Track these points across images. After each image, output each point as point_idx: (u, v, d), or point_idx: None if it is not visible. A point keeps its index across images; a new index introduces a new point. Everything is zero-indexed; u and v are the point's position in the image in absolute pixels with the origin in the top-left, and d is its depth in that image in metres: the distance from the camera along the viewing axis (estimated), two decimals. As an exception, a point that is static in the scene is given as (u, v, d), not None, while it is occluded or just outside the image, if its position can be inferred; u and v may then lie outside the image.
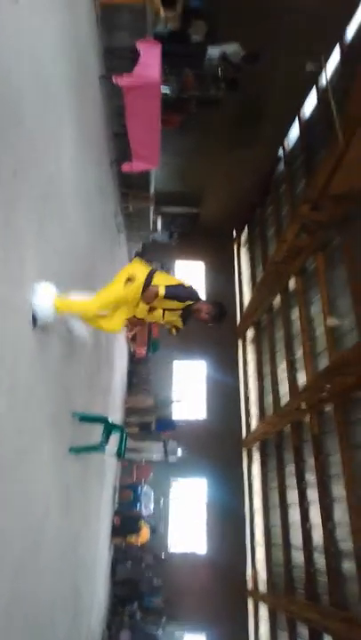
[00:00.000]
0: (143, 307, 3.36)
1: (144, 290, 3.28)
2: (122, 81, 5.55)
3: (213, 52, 6.99)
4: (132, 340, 12.43)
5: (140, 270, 3.38)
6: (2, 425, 2.52)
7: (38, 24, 3.20)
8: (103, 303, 3.33)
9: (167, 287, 3.26)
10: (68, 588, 4.82)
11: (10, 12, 2.59)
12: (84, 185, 5.06)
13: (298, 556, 9.11)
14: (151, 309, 3.42)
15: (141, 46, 5.79)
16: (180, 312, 3.42)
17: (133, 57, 5.83)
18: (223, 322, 3.55)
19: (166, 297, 3.25)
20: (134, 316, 3.47)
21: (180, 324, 3.54)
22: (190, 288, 3.40)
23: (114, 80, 5.54)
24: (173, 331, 3.61)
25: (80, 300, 3.30)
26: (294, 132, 11.14)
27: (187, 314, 3.45)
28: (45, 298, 3.00)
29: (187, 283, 3.46)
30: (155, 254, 13.73)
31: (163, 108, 6.24)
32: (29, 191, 2.93)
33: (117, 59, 6.26)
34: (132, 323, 3.62)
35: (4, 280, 2.49)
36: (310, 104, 10.21)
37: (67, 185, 4.20)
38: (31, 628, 3.27)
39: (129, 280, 3.32)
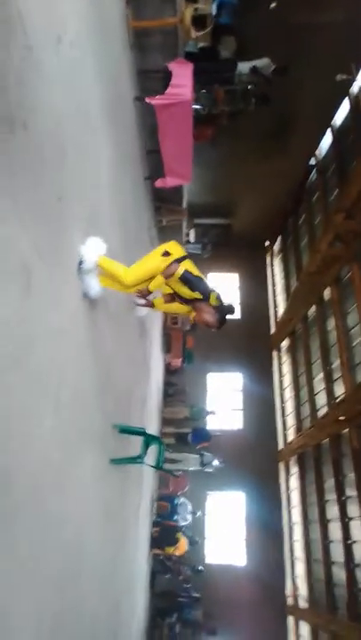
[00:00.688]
0: (158, 280, 3.40)
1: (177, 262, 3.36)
2: (155, 101, 5.71)
3: (244, 67, 7.09)
4: (168, 351, 12.55)
5: (176, 249, 3.46)
6: (48, 438, 2.63)
7: (78, 56, 3.37)
8: (139, 277, 3.42)
9: (186, 270, 3.32)
10: (108, 602, 4.89)
11: (54, 49, 2.76)
12: (120, 202, 5.23)
13: (339, 574, 8.88)
14: (169, 299, 3.58)
15: (173, 67, 5.95)
16: (187, 300, 3.44)
17: (166, 77, 6.00)
18: (222, 327, 3.46)
19: (180, 279, 3.31)
20: (146, 288, 3.50)
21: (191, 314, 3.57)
22: (206, 285, 3.40)
23: (147, 101, 5.71)
24: (192, 319, 3.60)
25: (119, 267, 3.42)
26: (327, 140, 11.08)
27: (191, 304, 3.45)
28: (93, 251, 3.21)
29: (208, 281, 3.47)
30: (188, 267, 13.85)
31: (194, 122, 6.37)
32: (74, 214, 3.08)
33: (150, 79, 6.46)
34: (142, 294, 3.58)
35: (56, 302, 2.63)
36: (342, 112, 10.15)
37: (105, 204, 4.36)
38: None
39: (165, 254, 3.40)
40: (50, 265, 2.60)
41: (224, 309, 3.39)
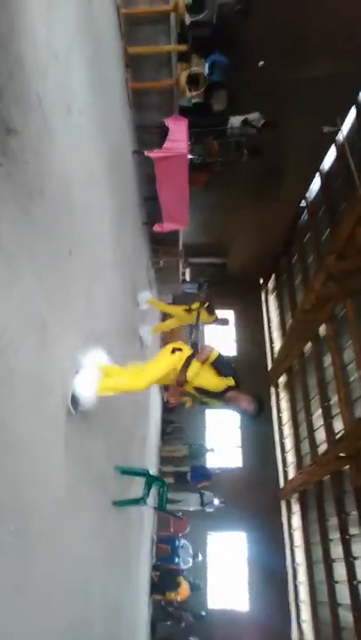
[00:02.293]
0: (194, 368, 3.32)
1: (194, 355, 3.31)
2: (153, 154, 6.09)
3: (235, 120, 7.56)
4: (166, 389, 12.61)
5: (183, 347, 3.45)
6: (51, 482, 2.72)
7: (85, 121, 3.69)
8: (155, 378, 3.34)
9: (220, 354, 3.30)
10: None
11: (65, 119, 3.06)
12: (120, 248, 5.49)
13: (347, 616, 8.66)
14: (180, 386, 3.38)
15: (169, 122, 6.38)
16: (216, 394, 3.37)
17: (162, 132, 6.42)
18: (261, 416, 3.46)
19: (215, 363, 3.28)
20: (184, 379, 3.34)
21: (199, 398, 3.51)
22: (234, 369, 3.38)
23: (146, 154, 6.09)
24: (189, 403, 3.62)
25: (124, 379, 3.25)
26: (316, 183, 11.60)
27: (220, 397, 3.39)
28: (88, 385, 2.92)
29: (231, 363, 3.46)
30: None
31: (189, 170, 6.76)
32: (82, 267, 3.31)
33: (148, 133, 6.89)
34: (180, 383, 3.40)
35: (67, 350, 2.80)
36: (330, 158, 10.69)
37: (108, 252, 4.61)
38: None
39: (175, 350, 3.35)
40: (61, 317, 2.79)
41: (260, 398, 3.44)
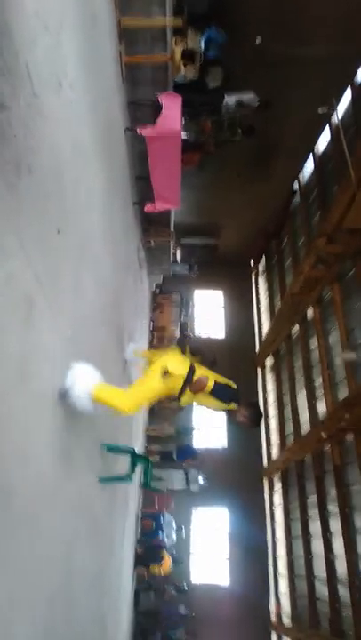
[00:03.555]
0: (187, 396, 3.31)
1: (188, 382, 3.22)
2: (146, 132, 5.98)
3: (230, 99, 7.44)
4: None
5: (178, 362, 3.33)
6: (35, 459, 2.76)
7: (76, 96, 3.61)
8: (140, 402, 3.30)
9: (216, 384, 3.23)
10: (95, 618, 4.95)
11: (56, 94, 2.99)
12: (111, 228, 5.45)
13: (322, 589, 9.00)
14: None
15: (163, 99, 6.25)
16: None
17: (156, 108, 6.30)
18: (259, 424, 3.56)
19: (213, 393, 3.21)
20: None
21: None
22: (234, 391, 3.37)
23: (138, 131, 5.99)
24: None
25: (116, 394, 3.21)
26: (309, 165, 11.53)
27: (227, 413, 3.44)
28: (84, 387, 2.96)
29: (232, 383, 3.41)
30: (175, 286, 14.14)
31: (182, 148, 6.67)
32: (71, 245, 3.28)
33: (141, 110, 6.76)
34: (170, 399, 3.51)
35: (53, 329, 2.81)
36: (324, 140, 10.61)
37: (98, 232, 4.56)
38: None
39: (165, 373, 3.24)
40: (48, 297, 2.78)
41: (257, 412, 3.48)
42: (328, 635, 8.43)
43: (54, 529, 3.10)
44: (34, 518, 2.63)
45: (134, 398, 3.26)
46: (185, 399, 3.28)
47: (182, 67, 6.57)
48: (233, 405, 3.32)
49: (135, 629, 9.96)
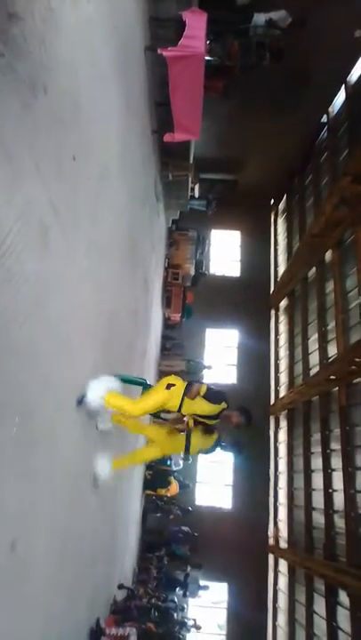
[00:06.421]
0: (187, 405, 3.80)
1: (186, 391, 3.77)
2: (167, 52, 5.61)
3: (259, 18, 6.87)
4: (168, 305, 12.79)
5: (177, 380, 3.90)
6: (53, 382, 2.88)
7: (94, 10, 3.36)
8: (147, 409, 3.86)
9: (209, 387, 3.81)
10: (107, 531, 5.38)
11: (73, 8, 2.79)
12: (128, 157, 5.27)
13: (319, 518, 9.56)
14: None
15: (187, 16, 5.80)
16: (212, 418, 3.88)
17: (179, 26, 5.85)
18: (250, 426, 3.98)
19: (205, 396, 3.75)
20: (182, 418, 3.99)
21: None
22: (223, 393, 3.89)
23: (159, 52, 5.61)
24: (191, 423, 4.04)
25: (127, 401, 3.77)
26: (340, 97, 10.80)
27: (217, 417, 3.87)
28: (98, 391, 3.47)
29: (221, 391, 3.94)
30: (192, 223, 13.86)
31: (206, 73, 6.26)
32: (86, 173, 3.21)
33: (163, 28, 6.29)
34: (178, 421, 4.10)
35: (70, 258, 2.82)
36: (358, 70, 9.85)
37: (115, 160, 4.43)
38: (79, 562, 3.77)
39: (169, 386, 3.82)
40: (63, 224, 2.77)
41: (248, 412, 3.94)
42: (321, 559, 9.06)
43: (71, 444, 3.29)
44: (52, 435, 2.79)
45: (142, 406, 3.86)
46: (185, 409, 3.80)
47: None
48: (224, 404, 3.83)
49: (143, 544, 10.82)
